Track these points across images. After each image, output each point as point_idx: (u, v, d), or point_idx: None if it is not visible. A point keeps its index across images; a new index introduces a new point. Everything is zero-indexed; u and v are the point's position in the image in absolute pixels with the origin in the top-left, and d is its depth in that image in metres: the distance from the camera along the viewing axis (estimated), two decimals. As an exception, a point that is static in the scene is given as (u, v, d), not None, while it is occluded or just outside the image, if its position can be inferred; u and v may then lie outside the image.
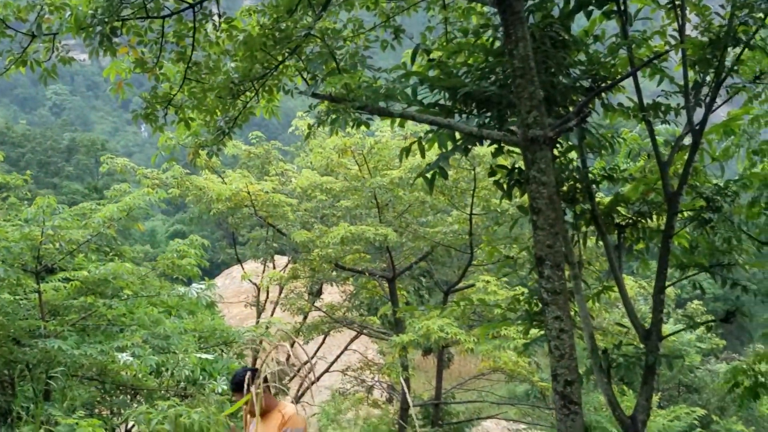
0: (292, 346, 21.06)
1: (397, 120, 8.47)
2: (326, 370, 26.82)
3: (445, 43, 9.07)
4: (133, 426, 16.51)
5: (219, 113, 9.18)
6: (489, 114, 8.21)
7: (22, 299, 16.70)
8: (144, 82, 9.66)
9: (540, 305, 7.82)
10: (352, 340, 27.82)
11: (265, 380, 7.58)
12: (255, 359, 23.63)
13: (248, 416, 7.66)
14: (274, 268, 27.89)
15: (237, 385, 7.81)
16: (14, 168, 42.46)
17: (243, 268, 28.00)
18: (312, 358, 24.11)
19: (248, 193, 22.42)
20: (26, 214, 16.49)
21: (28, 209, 16.74)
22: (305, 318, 25.35)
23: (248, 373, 7.13)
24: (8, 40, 8.44)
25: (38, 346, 15.13)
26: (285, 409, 7.76)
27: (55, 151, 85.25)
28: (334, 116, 7.71)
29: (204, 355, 16.84)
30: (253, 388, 6.62)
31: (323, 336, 25.85)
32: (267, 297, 27.52)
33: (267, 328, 22.86)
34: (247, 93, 9.02)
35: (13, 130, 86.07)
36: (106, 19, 7.61)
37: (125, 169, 23.63)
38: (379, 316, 24.68)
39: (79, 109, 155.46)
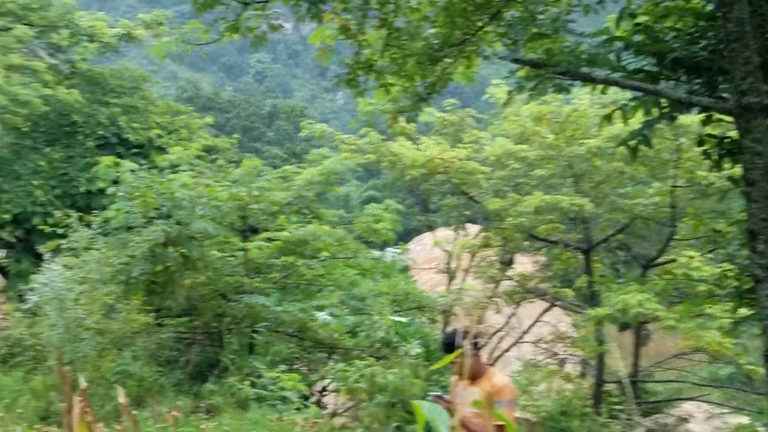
0: (481, 314, 21.22)
1: (599, 86, 8.31)
2: (517, 341, 26.76)
3: (652, 7, 8.77)
4: (330, 382, 17.25)
5: (418, 79, 9.33)
6: (699, 80, 7.91)
7: (229, 256, 17.79)
8: (342, 51, 9.97)
9: (752, 282, 7.47)
10: (544, 312, 27.57)
11: (476, 345, 7.41)
12: (446, 325, 23.95)
13: (455, 380, 7.45)
14: (466, 235, 28.03)
15: (448, 346, 7.30)
16: (221, 132, 44.83)
17: (434, 235, 28.32)
18: (503, 327, 24.13)
19: (442, 159, 22.61)
20: (234, 175, 17.51)
21: (236, 171, 17.78)
22: (496, 287, 25.38)
23: (461, 333, 7.00)
24: (222, 8, 8.93)
25: (243, 302, 16.09)
26: (495, 378, 7.30)
27: (257, 117, 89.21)
28: (534, 82, 7.67)
29: (398, 318, 17.27)
30: (464, 350, 6.52)
31: (514, 306, 25.78)
32: (458, 264, 27.74)
33: (459, 294, 23.09)
34: (446, 59, 9.11)
35: (220, 97, 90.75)
36: (315, -13, 7.92)
37: (323, 134, 24.41)
38: (573, 288, 24.31)
39: (280, 77, 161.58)
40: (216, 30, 8.96)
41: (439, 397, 7.40)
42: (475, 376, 7.23)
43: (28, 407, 12.84)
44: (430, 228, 30.29)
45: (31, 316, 15.74)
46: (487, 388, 7.13)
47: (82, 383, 7.25)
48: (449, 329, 7.67)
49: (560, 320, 28.99)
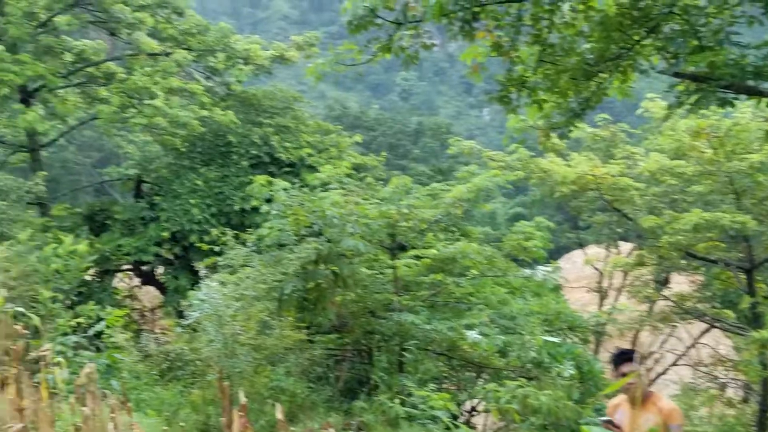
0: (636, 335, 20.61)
1: (765, 100, 7.97)
2: (674, 363, 25.87)
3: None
4: (479, 402, 17.17)
5: (571, 94, 9.23)
6: None
7: (378, 274, 18.03)
8: (492, 67, 9.96)
9: None
10: (702, 333, 26.56)
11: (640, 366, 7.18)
12: (598, 346, 23.43)
13: (616, 403, 7.25)
14: (618, 253, 27.37)
15: (618, 367, 7.13)
16: (367, 150, 45.62)
17: (585, 253, 27.80)
18: (659, 349, 23.39)
19: (593, 176, 22.20)
20: (384, 193, 17.77)
21: (385, 189, 18.04)
22: (651, 307, 24.64)
23: (635, 355, 6.85)
24: (375, 28, 9.11)
25: (393, 319, 16.26)
26: (661, 402, 7.11)
27: (403, 134, 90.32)
28: (696, 96, 7.44)
29: (549, 338, 17.02)
30: (636, 372, 6.36)
31: (671, 327, 24.95)
32: (610, 283, 27.11)
33: (612, 314, 22.55)
34: (601, 74, 8.98)
35: (367, 115, 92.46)
36: (468, 5, 7.98)
37: (471, 151, 24.43)
38: (734, 309, 23.29)
39: (426, 94, 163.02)
40: (369, 50, 9.15)
41: (608, 422, 7.20)
42: (642, 400, 7.03)
43: (189, 420, 13.38)
44: (580, 245, 29.79)
45: (191, 331, 16.44)
46: (654, 412, 6.92)
47: (242, 398, 7.50)
48: (617, 350, 7.49)
49: (720, 342, 27.84)
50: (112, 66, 33.01)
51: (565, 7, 8.70)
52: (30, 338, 13.21)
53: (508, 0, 8.44)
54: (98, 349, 17.22)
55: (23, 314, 14.31)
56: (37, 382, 8.86)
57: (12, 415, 7.87)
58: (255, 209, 23.69)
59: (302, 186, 18.28)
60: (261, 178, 18.46)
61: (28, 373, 8.75)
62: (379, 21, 8.90)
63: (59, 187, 45.62)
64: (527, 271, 18.30)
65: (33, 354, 10.08)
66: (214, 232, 19.65)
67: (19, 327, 10.58)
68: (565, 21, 8.86)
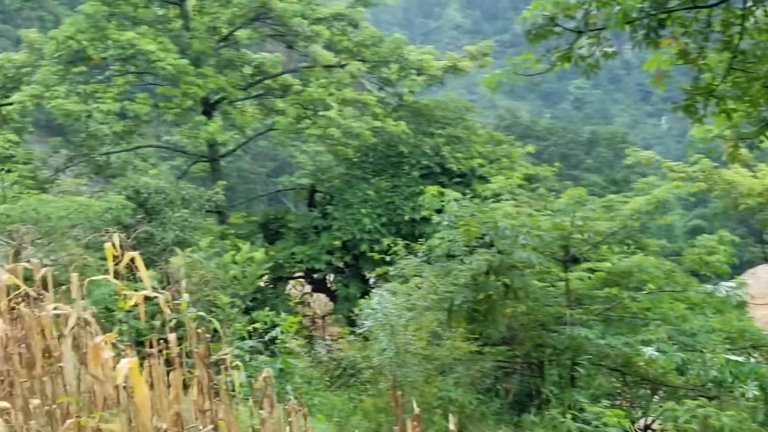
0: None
1: None
2: None
3: None
4: (653, 421, 16.65)
5: (763, 103, 8.86)
6: None
7: (549, 286, 17.83)
8: (675, 75, 9.69)
9: None
10: None
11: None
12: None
13: None
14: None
15: None
16: (538, 160, 45.19)
17: (773, 269, 26.42)
18: None
19: (783, 188, 21.12)
20: (557, 204, 17.56)
21: (558, 200, 17.83)
22: None
23: None
24: (554, 37, 9.07)
25: (565, 333, 16.03)
26: None
27: (576, 144, 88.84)
28: None
29: (733, 357, 16.28)
30: None
31: None
32: (800, 302, 25.64)
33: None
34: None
35: (538, 124, 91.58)
36: (654, 12, 7.82)
37: (649, 161, 23.78)
38: None
39: (600, 102, 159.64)
40: (546, 60, 9.13)
41: None
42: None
43: (360, 427, 13.67)
44: (766, 260, 28.35)
45: (363, 339, 16.79)
46: None
47: (415, 408, 7.63)
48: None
49: None
50: (288, 78, 34.26)
51: (759, 12, 8.38)
52: (210, 342, 13.85)
53: (697, 6, 8.20)
54: (273, 354, 17.87)
55: (203, 318, 15.06)
56: (216, 384, 9.29)
57: (196, 416, 8.29)
58: (425, 219, 24.00)
59: (473, 196, 18.33)
60: (432, 189, 18.64)
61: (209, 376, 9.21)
62: (558, 30, 8.86)
63: (235, 196, 47.68)
64: (709, 287, 17.54)
65: (213, 357, 10.58)
66: (386, 241, 20.01)
67: (201, 330, 11.13)
68: (758, 26, 8.53)
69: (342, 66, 32.45)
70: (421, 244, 18.51)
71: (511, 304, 16.99)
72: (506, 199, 18.21)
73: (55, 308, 8.67)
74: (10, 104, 31.50)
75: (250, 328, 17.57)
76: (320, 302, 36.19)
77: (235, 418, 9.30)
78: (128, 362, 5.72)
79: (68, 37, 29.25)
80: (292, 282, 34.51)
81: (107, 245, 8.32)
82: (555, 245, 17.42)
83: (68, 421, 6.74)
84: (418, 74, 32.82)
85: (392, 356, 14.49)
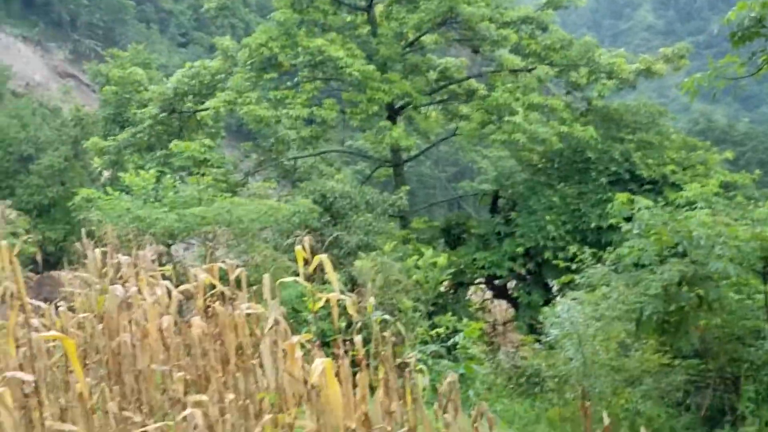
0: None
1: None
2: None
3: None
4: None
5: None
6: None
7: (746, 299, 17.02)
8: None
9: None
10: None
11: None
12: None
13: None
14: None
15: None
16: (734, 167, 43.09)
17: None
18: None
19: None
20: (757, 213, 16.72)
21: (758, 209, 16.96)
22: None
23: None
24: (762, 39, 8.67)
25: (763, 348, 15.26)
26: None
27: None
28: None
29: None
30: None
31: None
32: None
33: None
34: None
35: (735, 129, 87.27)
36: None
37: None
38: None
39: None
40: (752, 63, 8.74)
41: None
42: None
43: (544, 436, 13.57)
44: None
45: (547, 348, 16.62)
46: None
47: (605, 419, 7.48)
48: None
49: None
50: (473, 83, 34.30)
51: None
52: (395, 345, 14.10)
53: None
54: (455, 359, 17.98)
55: (387, 321, 15.35)
56: (401, 387, 9.44)
57: (382, 417, 8.46)
58: (612, 227, 23.42)
59: (665, 204, 17.75)
60: (622, 196, 18.20)
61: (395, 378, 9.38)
62: (766, 31, 8.47)
63: (415, 201, 48.26)
64: None
65: (398, 360, 10.77)
66: (572, 249, 19.68)
67: (388, 333, 11.35)
68: None
69: (529, 70, 32.16)
70: (609, 252, 18.09)
71: (705, 317, 16.34)
72: (701, 208, 17.53)
73: (248, 308, 9.10)
74: (205, 110, 33.24)
75: (433, 332, 17.76)
76: (501, 309, 36.04)
77: (418, 420, 9.44)
78: (323, 362, 5.93)
79: (261, 44, 30.54)
80: (472, 288, 34.53)
81: (298, 248, 8.64)
82: (754, 256, 16.59)
83: (266, 417, 7.04)
84: (609, 78, 32.04)
85: (579, 366, 14.27)
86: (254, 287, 10.38)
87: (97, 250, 9.58)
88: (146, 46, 58.93)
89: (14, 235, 23.42)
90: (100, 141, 36.32)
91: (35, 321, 6.80)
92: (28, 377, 6.04)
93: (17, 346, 7.57)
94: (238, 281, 9.69)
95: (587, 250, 18.70)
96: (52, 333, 6.50)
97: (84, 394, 6.62)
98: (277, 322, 8.22)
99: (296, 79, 33.04)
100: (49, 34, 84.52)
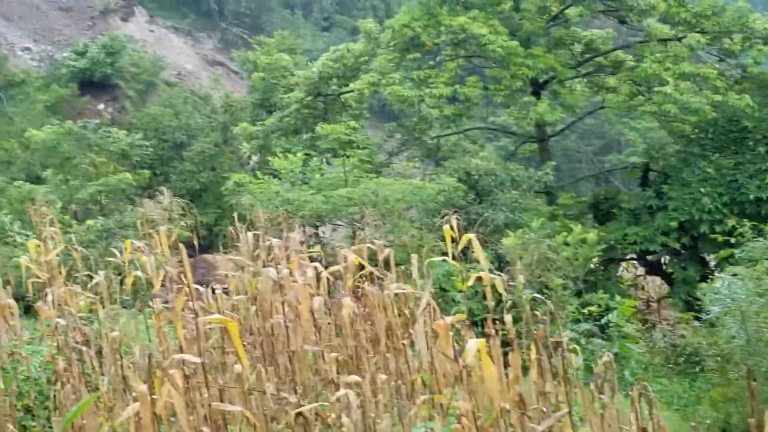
0: None
1: None
2: None
3: None
4: None
5: None
6: None
7: None
8: None
9: None
10: None
11: None
12: None
13: None
14: None
15: None
16: None
17: None
18: None
19: None
20: None
21: None
22: None
23: None
24: None
25: None
26: None
27: None
28: None
29: None
30: None
31: None
32: None
33: None
34: None
35: None
36: None
37: None
38: None
39: None
40: None
41: None
42: None
43: (707, 417, 13.04)
44: None
45: (707, 326, 15.98)
46: None
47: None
48: None
49: None
50: (620, 54, 33.31)
51: None
52: (545, 324, 13.85)
53: None
54: (608, 338, 17.54)
55: (536, 300, 15.06)
56: (554, 367, 9.23)
57: (537, 398, 8.30)
58: (773, 198, 22.29)
59: None
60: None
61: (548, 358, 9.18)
62: None
63: (560, 176, 47.36)
64: None
65: (550, 339, 10.55)
66: (730, 222, 18.83)
67: (539, 312, 11.13)
68: None
69: (679, 39, 30.84)
70: (769, 225, 17.22)
71: None
72: None
73: (398, 288, 9.09)
74: (350, 92, 33.59)
75: (584, 311, 17.38)
76: (654, 285, 34.96)
77: (573, 401, 9.21)
78: (477, 343, 5.82)
79: (403, 25, 30.56)
80: (623, 264, 33.60)
81: (446, 227, 8.56)
82: None
83: (422, 397, 7.00)
84: (765, 43, 30.30)
85: (743, 344, 13.61)
86: (402, 267, 10.38)
87: (249, 234, 9.79)
88: (291, 32, 60.03)
89: (170, 220, 24.33)
90: (249, 126, 37.30)
91: (194, 304, 6.99)
92: (195, 359, 6.20)
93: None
94: (386, 261, 9.71)
95: (747, 223, 17.86)
96: (217, 316, 6.64)
97: (245, 375, 6.75)
98: (426, 303, 8.18)
99: (438, 57, 32.92)
100: (198, 24, 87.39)
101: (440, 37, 30.29)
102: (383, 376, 8.19)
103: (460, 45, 30.88)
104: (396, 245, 19.59)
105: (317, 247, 16.17)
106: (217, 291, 9.27)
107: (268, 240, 9.31)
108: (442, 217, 8.77)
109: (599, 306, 18.54)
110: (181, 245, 6.83)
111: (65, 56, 63.58)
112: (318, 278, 8.99)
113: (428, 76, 30.83)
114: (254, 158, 40.53)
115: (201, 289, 8.45)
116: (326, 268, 9.30)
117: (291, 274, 8.51)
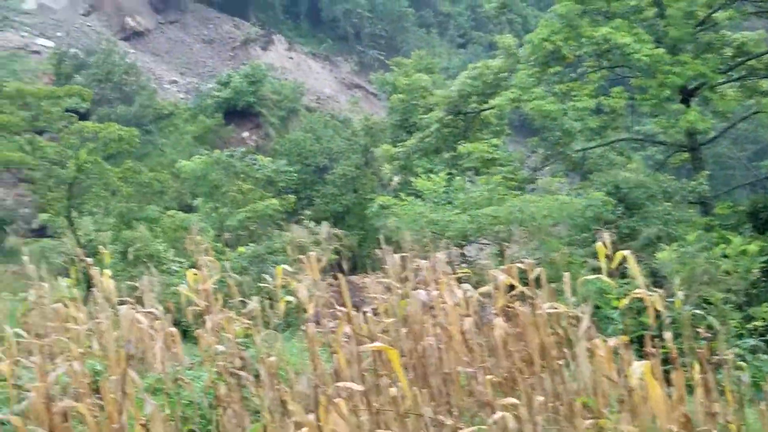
0: None
1: None
2: None
3: None
4: None
5: None
6: None
7: None
8: None
9: None
10: None
11: None
12: None
13: None
14: None
15: None
16: None
17: None
18: None
19: None
20: None
21: None
22: None
23: None
24: None
25: None
26: None
27: None
28: None
29: None
30: None
31: None
32: None
33: None
34: None
35: None
36: None
37: None
38: None
39: None
40: None
41: None
42: None
43: None
44: None
45: None
46: None
47: None
48: None
49: None
50: (772, 56, 32.12)
51: None
52: (709, 340, 13.37)
53: None
54: (775, 353, 16.74)
55: (696, 316, 14.54)
56: (721, 386, 8.89)
57: (703, 419, 8.00)
58: None
59: None
60: None
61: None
62: None
63: (713, 184, 45.74)
64: None
65: (714, 357, 10.16)
66: None
67: (701, 329, 10.75)
68: None
69: None
70: None
71: None
72: None
73: (550, 307, 8.96)
74: (490, 108, 33.53)
75: (749, 325, 16.66)
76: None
77: (747, 422, 8.84)
78: (642, 364, 5.69)
79: (543, 39, 30.34)
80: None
81: (598, 244, 8.40)
82: None
83: (587, 421, 6.88)
84: None
85: None
86: (552, 284, 10.23)
87: (396, 256, 9.88)
88: (427, 51, 60.48)
89: (317, 243, 24.83)
90: (390, 148, 37.72)
91: (350, 328, 7.12)
92: (357, 387, 6.30)
93: (332, 353, 7.97)
94: (536, 280, 9.59)
95: None
96: (377, 344, 6.74)
97: (405, 398, 6.81)
98: (579, 321, 8.05)
99: (580, 69, 32.49)
100: (335, 48, 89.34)
101: (582, 48, 29.90)
102: (540, 398, 8.08)
103: (602, 56, 30.39)
104: (544, 262, 19.35)
105: (464, 267, 16.15)
106: (367, 314, 9.38)
107: (416, 261, 9.38)
108: (592, 233, 8.63)
109: (764, 320, 17.74)
110: (340, 275, 6.97)
111: (210, 87, 66.21)
112: (467, 299, 8.97)
113: (571, 89, 30.49)
114: (396, 179, 40.93)
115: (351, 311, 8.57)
116: (474, 288, 9.27)
117: (440, 295, 8.54)
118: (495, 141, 32.03)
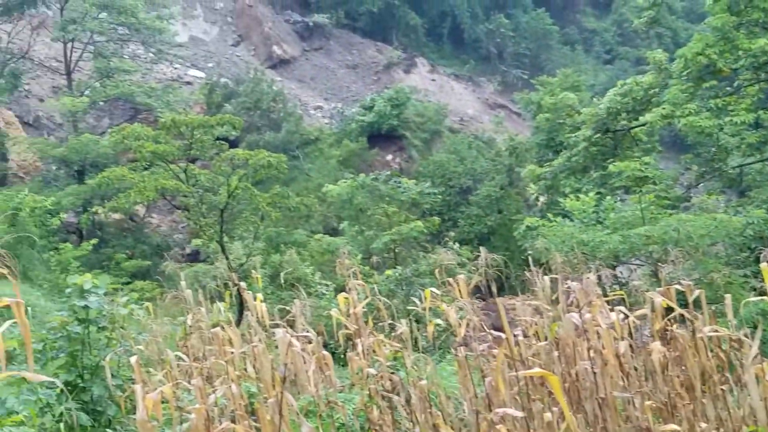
0: None
1: None
2: None
3: None
4: None
5: None
6: None
7: None
8: None
9: None
10: None
11: None
12: None
13: None
14: None
15: None
16: None
17: None
18: None
19: None
20: None
21: None
22: None
23: None
24: None
25: None
26: None
27: None
28: None
29: None
30: None
31: None
32: None
33: None
34: None
35: None
36: None
37: None
38: None
39: None
40: None
41: None
42: None
43: None
44: None
45: None
46: None
47: None
48: None
49: None
50: None
51: None
52: None
53: None
54: None
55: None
56: None
57: None
58: None
59: None
60: None
61: None
62: None
63: None
64: None
65: None
66: None
67: None
68: None
69: None
70: None
71: None
72: None
73: (712, 330, 8.63)
74: (641, 125, 32.73)
75: None
76: None
77: None
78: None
79: (697, 53, 29.38)
80: None
81: (762, 264, 8.07)
82: None
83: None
84: None
85: None
86: (712, 306, 9.84)
87: (546, 278, 9.77)
88: (572, 69, 59.75)
89: (461, 265, 24.78)
90: (537, 168, 37.35)
91: (506, 353, 7.08)
92: (517, 413, 6.27)
93: (483, 377, 7.94)
94: (696, 302, 9.26)
95: None
96: (537, 370, 6.68)
97: (562, 423, 6.72)
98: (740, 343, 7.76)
99: (736, 83, 31.30)
100: (478, 69, 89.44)
101: (738, 61, 28.79)
102: (703, 424, 7.80)
103: (761, 68, 29.13)
104: (702, 283, 18.68)
105: (616, 289, 15.81)
106: (518, 337, 9.29)
107: (566, 283, 9.23)
108: (752, 252, 8.32)
109: None
110: (497, 299, 6.95)
111: (354, 111, 67.39)
112: (624, 321, 8.76)
113: (727, 104, 29.40)
114: (542, 199, 40.48)
115: (500, 335, 8.52)
116: (628, 309, 9.06)
117: (593, 317, 8.38)
118: (646, 159, 31.16)
